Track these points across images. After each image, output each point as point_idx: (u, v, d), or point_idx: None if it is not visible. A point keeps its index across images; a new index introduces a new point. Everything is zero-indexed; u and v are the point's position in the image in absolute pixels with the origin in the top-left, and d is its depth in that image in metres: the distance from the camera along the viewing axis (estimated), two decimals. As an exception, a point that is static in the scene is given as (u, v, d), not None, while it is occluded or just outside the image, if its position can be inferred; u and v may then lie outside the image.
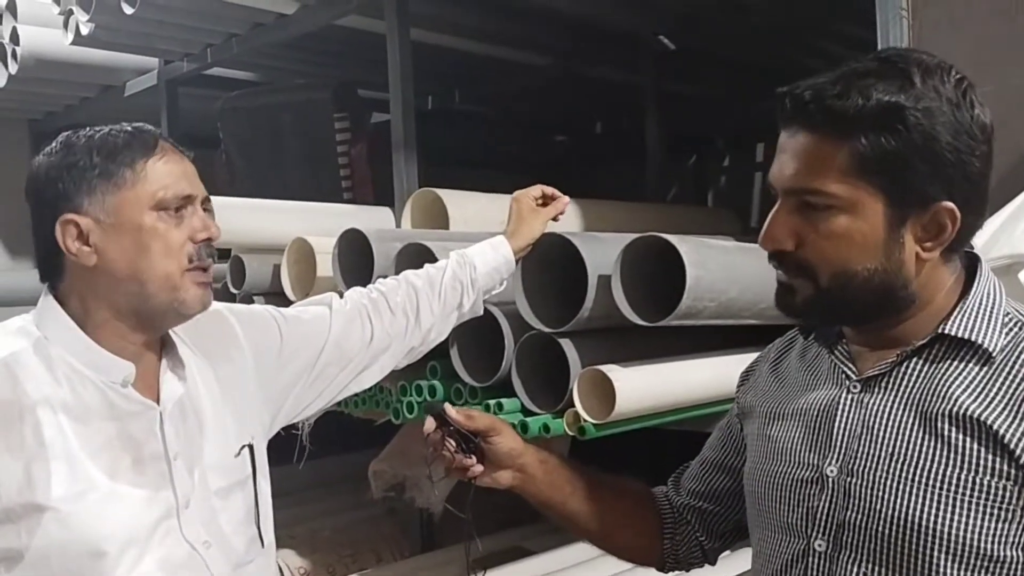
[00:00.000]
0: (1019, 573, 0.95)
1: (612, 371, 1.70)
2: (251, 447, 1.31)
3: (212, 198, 2.37)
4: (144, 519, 1.16)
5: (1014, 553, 0.95)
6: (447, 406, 1.29)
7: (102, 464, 1.14)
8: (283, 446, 1.75)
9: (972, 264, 1.05)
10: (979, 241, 1.50)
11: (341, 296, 1.61)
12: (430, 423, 1.29)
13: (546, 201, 1.81)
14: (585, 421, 1.73)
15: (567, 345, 1.79)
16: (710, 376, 1.82)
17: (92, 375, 1.16)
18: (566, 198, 1.84)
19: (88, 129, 1.20)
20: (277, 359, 1.41)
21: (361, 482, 2.64)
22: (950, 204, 0.96)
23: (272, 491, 1.38)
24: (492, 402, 1.85)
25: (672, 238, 1.69)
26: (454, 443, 1.28)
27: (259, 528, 1.30)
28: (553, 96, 3.67)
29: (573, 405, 1.75)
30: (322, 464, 2.73)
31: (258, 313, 1.46)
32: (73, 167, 1.16)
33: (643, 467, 1.97)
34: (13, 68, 3.25)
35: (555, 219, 1.80)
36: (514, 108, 3.95)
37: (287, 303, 2.18)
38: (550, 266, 1.83)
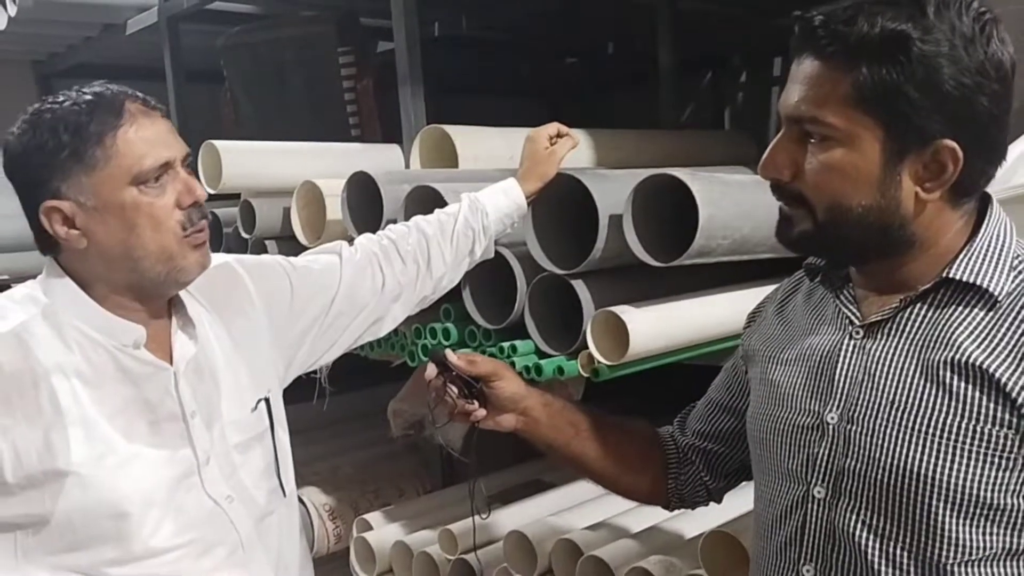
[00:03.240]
0: (1019, 521, 0.95)
1: (625, 312, 1.69)
2: (267, 400, 1.33)
3: (220, 143, 2.36)
4: (164, 478, 1.18)
5: (1014, 501, 0.95)
6: (448, 352, 1.30)
7: (119, 427, 1.16)
8: (303, 385, 1.76)
9: (984, 204, 1.02)
10: (1001, 168, 1.46)
11: (351, 242, 1.61)
12: (431, 369, 1.31)
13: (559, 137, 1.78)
14: (599, 363, 1.72)
15: (579, 286, 1.77)
16: (724, 312, 1.80)
17: (103, 339, 1.17)
18: (576, 137, 1.81)
19: (52, 101, 1.14)
20: (289, 309, 1.42)
21: (382, 417, 2.67)
22: (952, 143, 0.93)
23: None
24: (506, 344, 1.85)
25: (684, 176, 1.65)
26: (456, 389, 1.29)
27: (280, 479, 1.33)
28: (563, 18, 3.56)
29: (587, 346, 1.74)
30: (344, 400, 2.76)
31: (268, 264, 1.45)
32: (42, 149, 1.12)
33: (660, 399, 1.98)
34: (12, 10, 3.19)
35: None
36: (524, 32, 3.84)
37: (298, 247, 2.18)
38: (561, 206, 1.80)
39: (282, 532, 1.33)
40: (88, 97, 1.14)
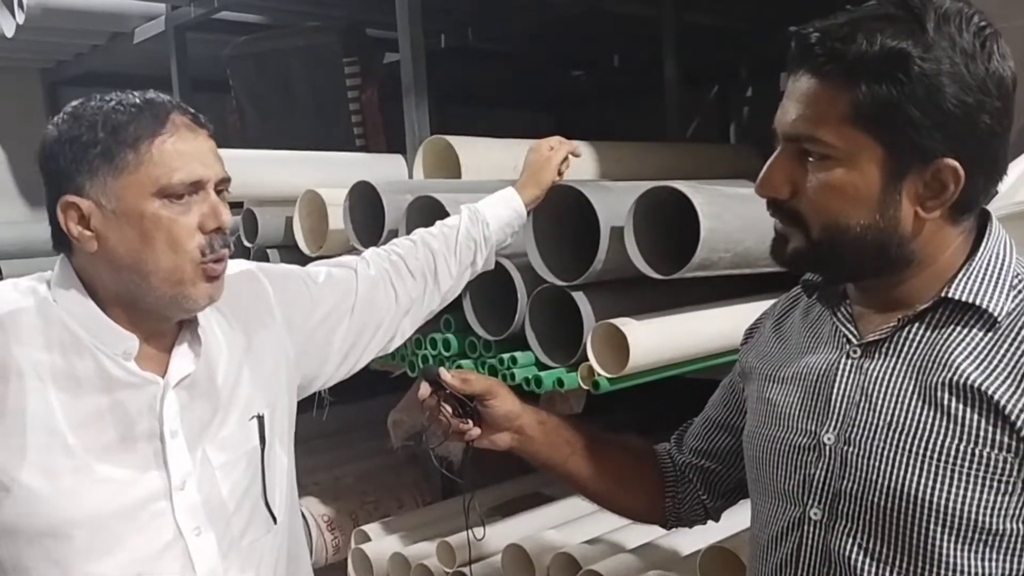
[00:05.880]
0: (1018, 546, 0.93)
1: (625, 325, 1.68)
2: (260, 418, 1.25)
3: (224, 151, 2.35)
4: (120, 503, 1.11)
5: (1013, 526, 0.92)
6: (442, 370, 1.28)
7: (85, 440, 1.10)
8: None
9: (984, 221, 1.00)
10: (1004, 185, 1.44)
11: (356, 254, 1.60)
12: (425, 388, 1.28)
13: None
14: (599, 375, 1.71)
15: (580, 298, 1.77)
16: (725, 326, 1.79)
17: (91, 343, 1.12)
18: (574, 144, 1.82)
19: (100, 98, 1.11)
20: (308, 322, 1.38)
21: (382, 428, 2.67)
22: (953, 162, 0.91)
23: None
24: (506, 355, 1.84)
25: (686, 189, 1.65)
26: (450, 407, 1.27)
27: (267, 503, 1.24)
28: (569, 31, 3.57)
29: (587, 359, 1.73)
30: (344, 411, 2.75)
31: (290, 275, 1.42)
32: (76, 141, 1.08)
33: (661, 412, 1.96)
34: (21, 18, 3.21)
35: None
36: (529, 44, 3.85)
37: (301, 256, 2.18)
38: (562, 217, 1.80)
39: (262, 565, 1.23)
40: (136, 100, 1.11)
